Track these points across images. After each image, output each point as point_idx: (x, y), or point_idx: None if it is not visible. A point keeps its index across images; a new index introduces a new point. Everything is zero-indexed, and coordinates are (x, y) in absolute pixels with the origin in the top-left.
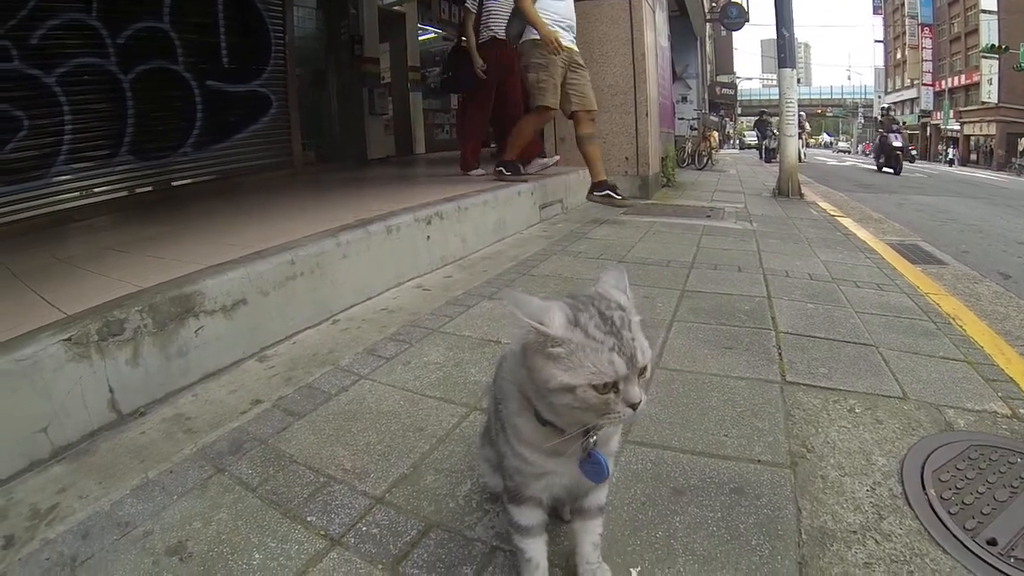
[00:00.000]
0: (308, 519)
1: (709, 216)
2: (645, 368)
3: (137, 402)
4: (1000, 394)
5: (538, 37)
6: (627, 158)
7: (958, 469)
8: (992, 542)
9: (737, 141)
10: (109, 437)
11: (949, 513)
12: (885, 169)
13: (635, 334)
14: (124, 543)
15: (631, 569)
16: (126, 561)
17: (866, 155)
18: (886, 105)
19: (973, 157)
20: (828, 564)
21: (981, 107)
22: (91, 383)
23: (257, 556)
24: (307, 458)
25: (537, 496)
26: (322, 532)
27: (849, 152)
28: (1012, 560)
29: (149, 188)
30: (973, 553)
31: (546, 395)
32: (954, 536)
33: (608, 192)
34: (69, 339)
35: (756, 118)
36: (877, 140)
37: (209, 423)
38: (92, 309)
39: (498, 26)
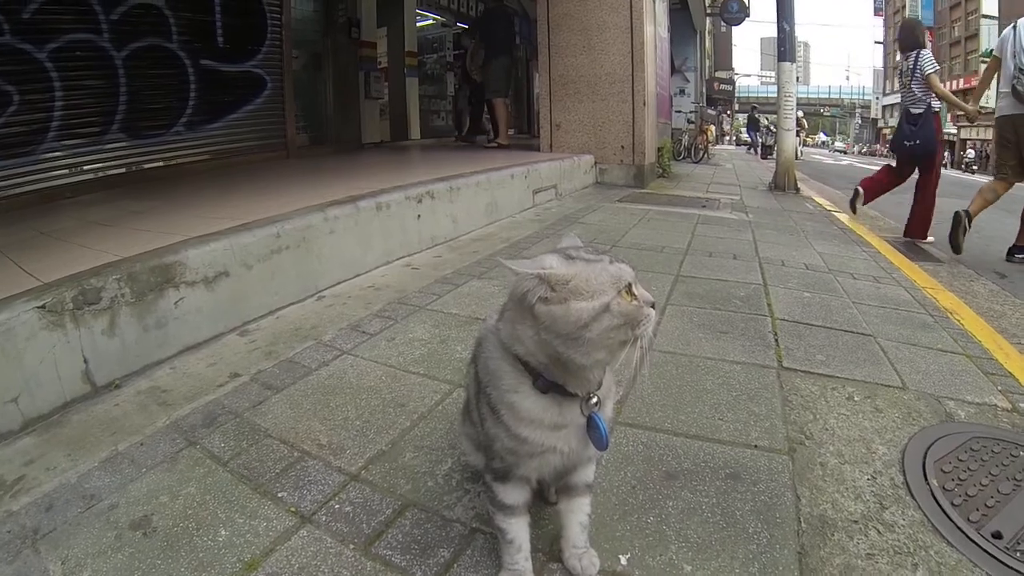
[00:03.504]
0: (279, 495)
1: (704, 206)
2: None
3: (113, 374)
4: (1000, 388)
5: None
6: (623, 147)
7: (960, 460)
8: (997, 535)
9: (734, 137)
10: (82, 409)
11: (952, 504)
12: None
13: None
14: (88, 516)
15: (620, 556)
16: (88, 534)
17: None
18: None
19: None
20: (829, 554)
21: (979, 112)
22: (65, 353)
23: (223, 532)
24: (282, 432)
25: (526, 475)
26: (293, 509)
27: (846, 152)
28: (1019, 554)
29: (140, 167)
30: (978, 546)
31: (582, 334)
32: (958, 528)
33: None
34: (43, 306)
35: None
36: None
37: (185, 396)
38: (68, 277)
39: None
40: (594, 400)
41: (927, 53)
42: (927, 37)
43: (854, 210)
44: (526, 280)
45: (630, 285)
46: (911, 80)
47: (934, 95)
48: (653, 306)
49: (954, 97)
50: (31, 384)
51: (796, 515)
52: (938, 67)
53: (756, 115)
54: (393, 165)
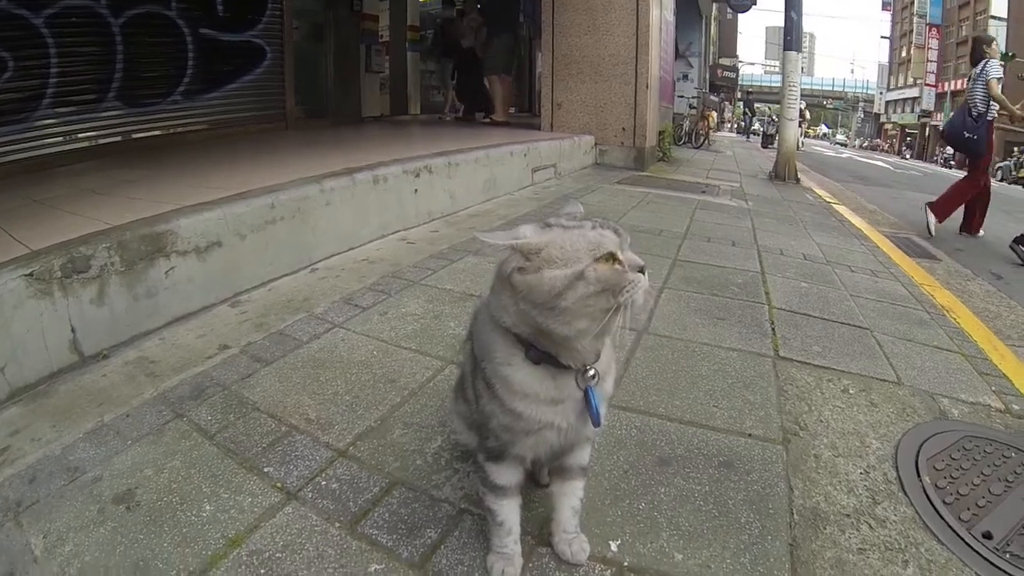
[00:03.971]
0: (265, 470)
1: (704, 192)
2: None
3: (101, 344)
4: (994, 388)
5: None
6: (624, 129)
7: (953, 459)
8: (987, 535)
9: (735, 124)
10: (69, 379)
11: (944, 502)
12: None
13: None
14: (71, 489)
15: (610, 542)
16: (71, 508)
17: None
18: None
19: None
20: (821, 547)
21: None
22: (52, 322)
23: (207, 507)
24: (270, 406)
25: (522, 454)
26: (278, 484)
27: (846, 145)
28: (1008, 556)
29: (136, 135)
30: (968, 546)
31: (557, 303)
32: (949, 527)
33: None
34: (31, 274)
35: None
36: None
37: (173, 367)
38: (57, 245)
39: None
40: (591, 373)
41: (995, 63)
42: (994, 49)
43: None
44: (500, 251)
45: (612, 252)
46: (975, 84)
47: (992, 106)
48: (643, 270)
49: (1006, 100)
50: (18, 353)
51: (789, 506)
52: (1001, 76)
53: (750, 100)
54: (392, 139)
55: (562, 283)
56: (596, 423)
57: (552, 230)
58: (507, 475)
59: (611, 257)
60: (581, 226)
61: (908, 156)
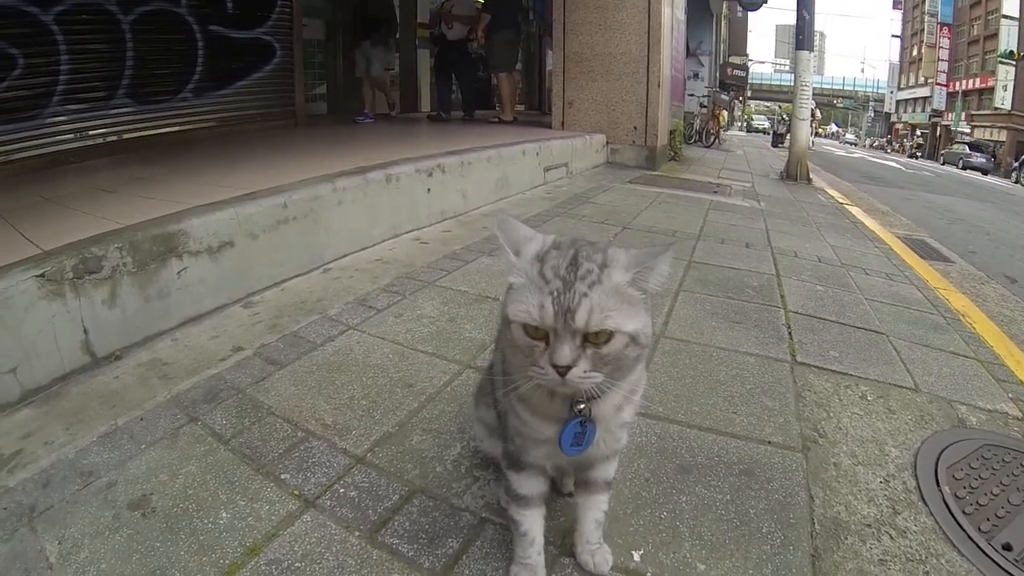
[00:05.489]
0: (282, 477)
1: (716, 192)
2: (593, 333)
3: (113, 345)
4: (1011, 395)
5: None
6: (635, 127)
7: (972, 468)
8: (1007, 547)
9: (745, 123)
10: (81, 381)
11: (964, 513)
12: None
13: (593, 293)
14: (85, 494)
15: (633, 552)
16: (85, 513)
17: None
18: None
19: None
20: (842, 558)
21: (994, 112)
22: (65, 323)
23: (224, 515)
24: (286, 410)
25: (539, 463)
26: (296, 492)
27: (856, 144)
28: None
29: (146, 133)
30: (989, 557)
31: (505, 330)
32: (969, 538)
33: None
34: (43, 275)
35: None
36: None
37: (186, 369)
38: (69, 245)
39: None
40: (580, 406)
41: None
42: None
43: None
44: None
45: (547, 335)
46: None
47: None
48: (562, 371)
49: None
50: (30, 355)
51: (810, 516)
52: None
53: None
54: (403, 137)
55: (504, 312)
56: (563, 450)
57: (536, 264)
58: (529, 485)
59: (542, 335)
60: (547, 283)
61: (888, 151)
